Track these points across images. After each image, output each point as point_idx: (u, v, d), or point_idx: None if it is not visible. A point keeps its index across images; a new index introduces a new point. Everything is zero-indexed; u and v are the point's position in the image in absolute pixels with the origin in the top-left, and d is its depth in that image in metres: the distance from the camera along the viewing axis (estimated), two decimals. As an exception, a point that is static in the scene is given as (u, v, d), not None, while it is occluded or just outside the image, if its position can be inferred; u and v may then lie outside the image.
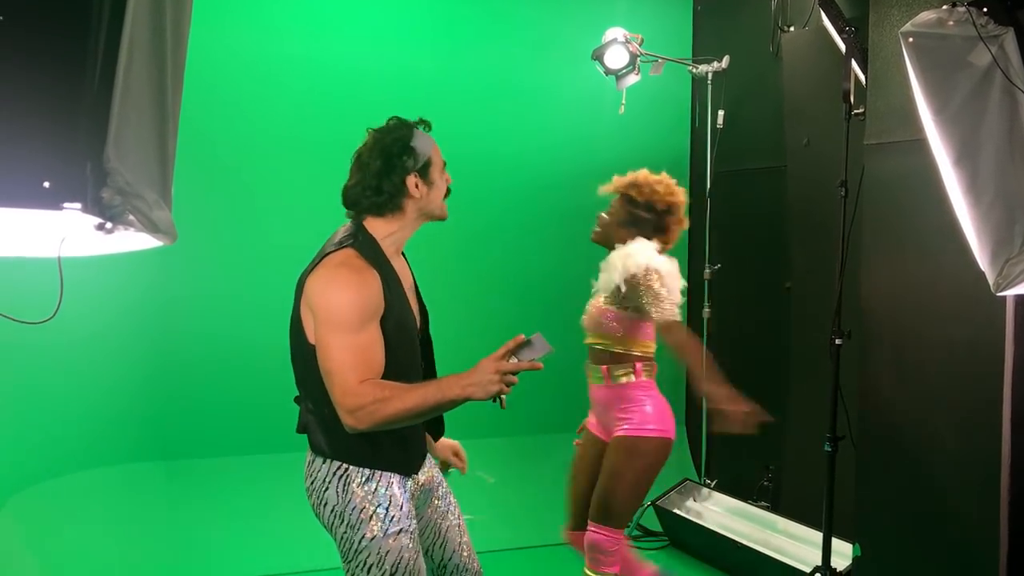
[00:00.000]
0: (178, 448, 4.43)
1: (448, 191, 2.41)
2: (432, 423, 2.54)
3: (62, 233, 1.39)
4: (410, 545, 2.25)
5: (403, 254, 2.48)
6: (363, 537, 2.21)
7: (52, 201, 1.24)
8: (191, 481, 4.42)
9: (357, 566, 2.22)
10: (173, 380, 4.40)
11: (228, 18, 4.39)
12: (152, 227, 1.37)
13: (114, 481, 4.23)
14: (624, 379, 3.19)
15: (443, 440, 2.64)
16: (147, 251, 1.63)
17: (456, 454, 2.68)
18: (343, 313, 2.13)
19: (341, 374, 2.09)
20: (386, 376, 2.16)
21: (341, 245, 2.23)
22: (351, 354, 2.11)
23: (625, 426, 3.15)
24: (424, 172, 2.30)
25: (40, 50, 1.23)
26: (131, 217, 1.31)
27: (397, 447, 2.30)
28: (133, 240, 1.45)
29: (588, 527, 3.16)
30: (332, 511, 2.25)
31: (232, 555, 4.20)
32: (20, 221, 1.37)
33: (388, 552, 2.21)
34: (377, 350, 2.16)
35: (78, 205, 1.26)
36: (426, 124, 2.37)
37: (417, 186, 2.29)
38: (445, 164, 2.39)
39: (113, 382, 4.25)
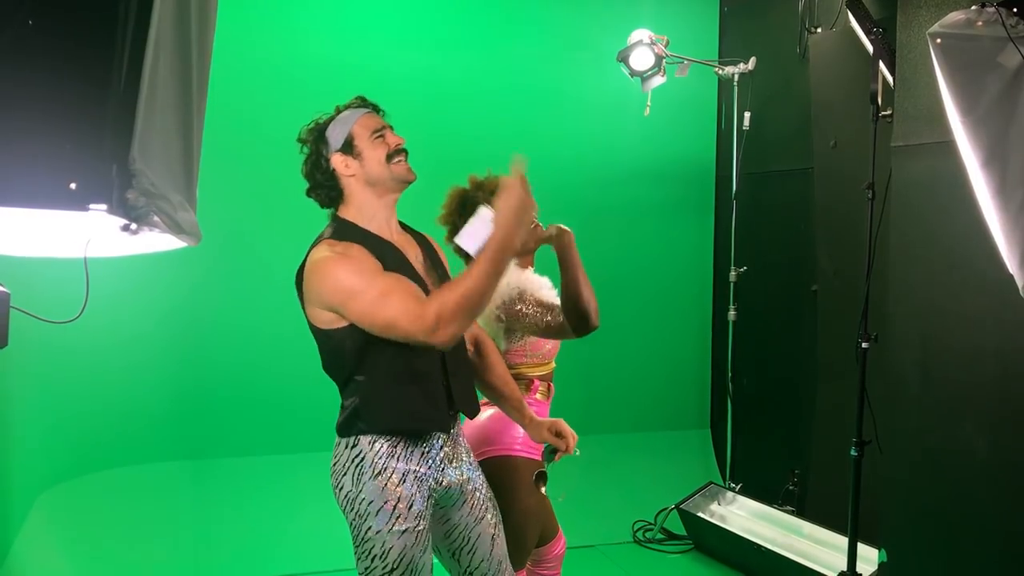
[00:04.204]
0: (205, 448, 4.46)
1: (400, 151, 2.38)
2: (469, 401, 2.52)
3: (88, 234, 1.40)
4: (413, 544, 2.29)
5: (416, 232, 2.53)
6: (369, 528, 2.28)
7: (78, 202, 1.25)
8: (217, 480, 4.44)
9: (363, 552, 2.30)
10: (199, 380, 4.43)
11: (251, 21, 4.41)
12: (176, 228, 1.38)
13: (141, 480, 4.26)
14: None
15: (540, 420, 2.61)
16: (173, 252, 1.65)
17: (558, 434, 2.58)
18: (354, 281, 2.20)
19: (403, 312, 2.15)
20: (404, 348, 2.23)
21: (315, 243, 2.34)
22: (396, 296, 2.17)
23: None
24: (347, 148, 2.35)
25: (67, 53, 1.25)
26: (156, 218, 1.32)
27: (416, 404, 2.33)
28: (158, 241, 1.46)
29: (560, 536, 3.09)
30: (346, 496, 2.32)
31: (258, 554, 4.24)
32: (47, 222, 1.39)
33: (391, 548, 2.27)
34: (407, 282, 2.25)
35: (104, 206, 1.26)
36: (360, 102, 2.42)
37: (347, 164, 2.35)
38: (383, 128, 2.39)
39: (139, 382, 4.29)
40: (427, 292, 2.36)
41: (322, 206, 2.44)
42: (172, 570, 4.06)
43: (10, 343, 1.45)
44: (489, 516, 2.51)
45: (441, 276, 2.49)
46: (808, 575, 3.88)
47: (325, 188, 2.39)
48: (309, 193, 2.42)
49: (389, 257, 2.31)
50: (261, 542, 4.29)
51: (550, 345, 2.90)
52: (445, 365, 2.42)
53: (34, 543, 3.71)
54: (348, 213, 2.39)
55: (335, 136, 2.36)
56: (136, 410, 4.29)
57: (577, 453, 2.69)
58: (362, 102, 2.44)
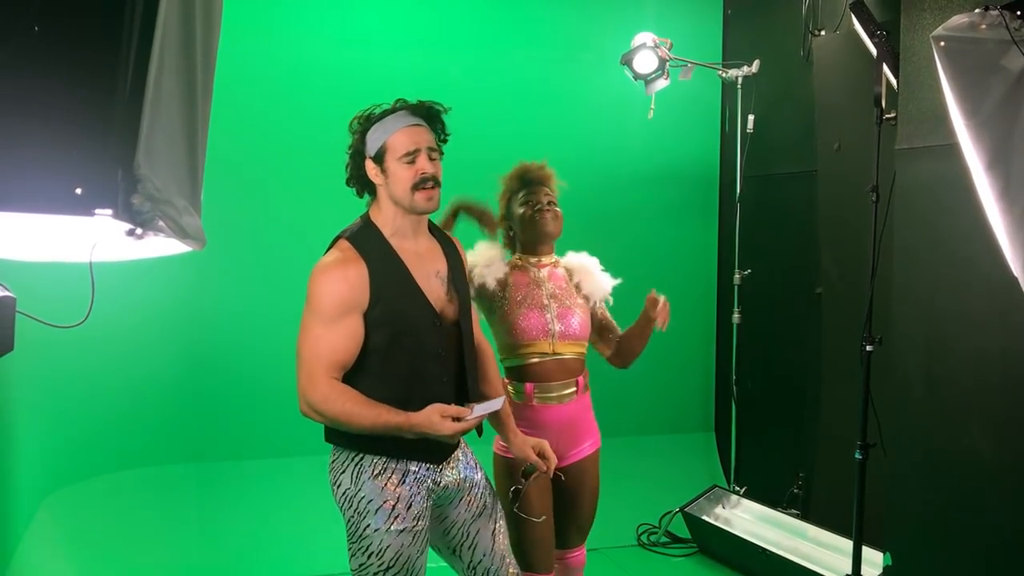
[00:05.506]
0: (209, 451, 4.46)
1: (427, 181, 2.32)
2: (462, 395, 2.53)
3: (94, 239, 1.41)
4: (410, 544, 2.31)
5: (442, 238, 2.53)
6: (367, 526, 2.29)
7: (84, 207, 1.26)
8: (222, 483, 4.45)
9: (359, 549, 2.32)
10: (204, 384, 4.43)
11: (256, 25, 4.42)
12: (181, 233, 1.38)
13: (146, 483, 4.27)
14: (587, 385, 3.03)
15: (527, 438, 2.62)
16: (178, 257, 1.65)
17: (541, 454, 2.58)
18: (322, 302, 2.25)
19: (309, 362, 2.23)
20: (391, 361, 2.30)
21: (338, 237, 2.37)
22: (323, 345, 2.23)
23: (593, 437, 3.01)
24: (379, 159, 2.34)
25: (72, 59, 1.25)
26: (161, 223, 1.33)
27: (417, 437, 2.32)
28: (163, 246, 1.47)
29: (578, 550, 3.08)
30: (344, 494, 2.34)
31: (262, 556, 4.24)
32: (53, 227, 1.39)
33: (388, 547, 2.29)
34: (349, 345, 2.26)
35: (109, 211, 1.27)
36: (415, 107, 2.36)
37: (376, 174, 2.36)
38: (416, 152, 2.31)
39: (145, 386, 4.29)
40: (434, 310, 2.37)
41: (358, 196, 2.46)
42: (176, 573, 4.07)
43: (15, 347, 1.46)
44: (488, 511, 2.52)
45: (461, 291, 2.48)
46: (813, 578, 3.88)
47: (359, 183, 2.42)
48: (347, 182, 2.45)
49: (391, 280, 2.31)
50: (266, 545, 4.29)
51: (523, 323, 2.84)
52: (457, 363, 2.44)
53: (39, 546, 3.71)
54: (377, 216, 2.39)
55: (372, 142, 2.34)
56: (140, 413, 4.30)
57: (562, 478, 2.75)
58: (410, 110, 2.36)
